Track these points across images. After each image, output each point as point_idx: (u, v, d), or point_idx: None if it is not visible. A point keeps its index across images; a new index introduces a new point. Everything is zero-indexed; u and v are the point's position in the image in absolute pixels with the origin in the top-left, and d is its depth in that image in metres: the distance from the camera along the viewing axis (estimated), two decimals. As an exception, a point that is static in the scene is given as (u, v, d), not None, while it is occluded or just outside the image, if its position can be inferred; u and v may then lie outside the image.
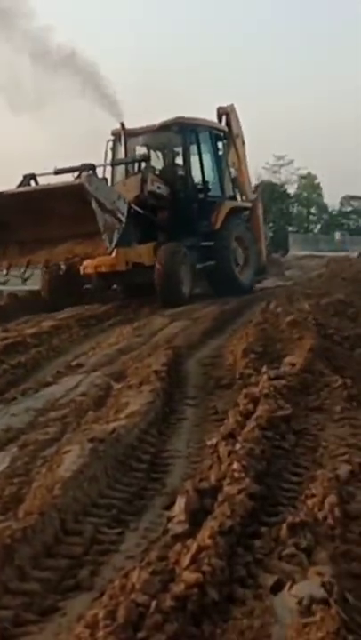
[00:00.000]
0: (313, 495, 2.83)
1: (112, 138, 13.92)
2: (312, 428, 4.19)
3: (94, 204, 9.89)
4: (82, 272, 12.32)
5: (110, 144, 13.92)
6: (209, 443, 3.86)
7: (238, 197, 15.93)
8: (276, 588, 2.12)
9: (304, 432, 4.09)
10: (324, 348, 6.23)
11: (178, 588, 2.05)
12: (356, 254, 18.02)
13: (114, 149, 13.96)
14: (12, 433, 4.52)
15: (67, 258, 10.76)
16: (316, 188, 66.18)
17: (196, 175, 13.96)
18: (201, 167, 14.01)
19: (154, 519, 3.09)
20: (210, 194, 13.88)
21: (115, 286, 14.05)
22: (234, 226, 14.27)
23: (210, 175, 14.30)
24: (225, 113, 15.58)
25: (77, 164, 11.27)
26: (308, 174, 63.95)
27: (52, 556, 2.66)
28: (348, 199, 66.71)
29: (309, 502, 2.77)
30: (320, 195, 66.76)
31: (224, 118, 15.53)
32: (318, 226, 65.75)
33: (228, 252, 13.75)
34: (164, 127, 13.67)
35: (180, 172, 13.94)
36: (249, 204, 16.19)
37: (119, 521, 3.07)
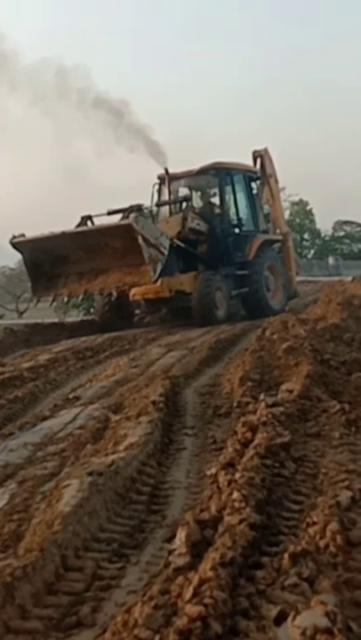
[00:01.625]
0: (314, 523, 2.81)
1: (157, 181, 16.04)
2: (311, 454, 4.18)
3: (140, 240, 11.75)
4: (131, 299, 14.23)
5: (156, 187, 16.03)
6: (208, 472, 3.85)
7: (273, 230, 17.91)
8: (280, 619, 2.10)
9: (303, 459, 4.08)
10: (321, 374, 6.22)
11: (181, 622, 2.02)
12: (350, 278, 18.10)
13: (159, 191, 16.06)
14: (11, 469, 4.50)
15: (117, 286, 12.72)
16: (309, 214, 66.50)
17: (232, 212, 15.90)
18: (235, 205, 15.99)
19: (155, 552, 3.07)
20: (244, 228, 15.90)
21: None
22: (266, 256, 16.18)
23: (244, 212, 16.26)
24: (259, 155, 17.50)
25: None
26: (300, 200, 64.27)
27: (53, 592, 2.64)
28: (340, 224, 67.00)
29: (311, 530, 2.75)
30: (313, 221, 67.05)
31: (259, 160, 17.45)
32: (312, 251, 65.97)
33: (261, 279, 15.53)
34: (203, 171, 15.77)
35: (217, 210, 15.84)
36: (280, 237, 17.98)
37: (120, 555, 3.05)
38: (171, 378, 6.70)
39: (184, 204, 15.21)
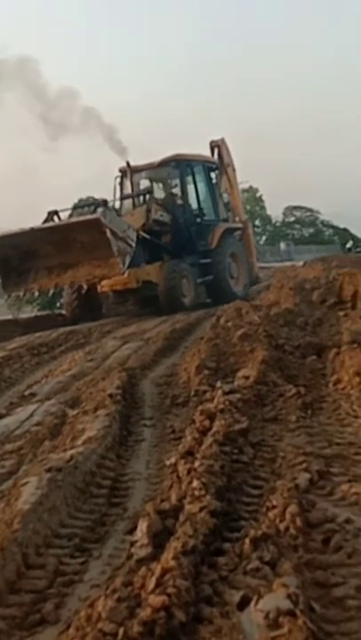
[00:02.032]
0: (274, 507, 2.84)
1: (119, 174, 16.43)
2: (269, 439, 4.21)
3: (109, 234, 12.14)
4: (99, 290, 14.80)
5: (118, 179, 16.41)
6: (168, 462, 3.85)
7: (232, 219, 18.54)
8: (243, 604, 2.11)
9: (262, 444, 4.11)
10: (277, 359, 6.28)
11: (144, 613, 2.02)
12: (301, 263, 18.29)
13: (121, 184, 16.44)
14: (-32, 469, 4.44)
15: (87, 279, 13.14)
16: (259, 201, 66.89)
17: (193, 202, 16.54)
18: (197, 195, 16.67)
19: (117, 545, 3.06)
20: (205, 218, 16.60)
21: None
22: (228, 244, 16.79)
23: (205, 202, 16.90)
24: (217, 145, 18.10)
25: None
26: (250, 187, 64.60)
27: (15, 591, 2.61)
28: (290, 209, 67.63)
29: (271, 514, 2.77)
30: (263, 207, 67.50)
31: (216, 150, 18.05)
32: (263, 237, 66.39)
33: (224, 267, 16.16)
34: (164, 163, 16.20)
35: (179, 201, 16.31)
36: (240, 225, 18.80)
37: (82, 550, 3.03)
38: (127, 370, 6.68)
39: (147, 197, 15.55)
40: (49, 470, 3.52)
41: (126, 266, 12.79)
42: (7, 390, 7.39)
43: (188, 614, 2.08)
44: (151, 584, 2.18)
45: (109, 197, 15.32)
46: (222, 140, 18.35)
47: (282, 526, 2.65)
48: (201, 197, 16.84)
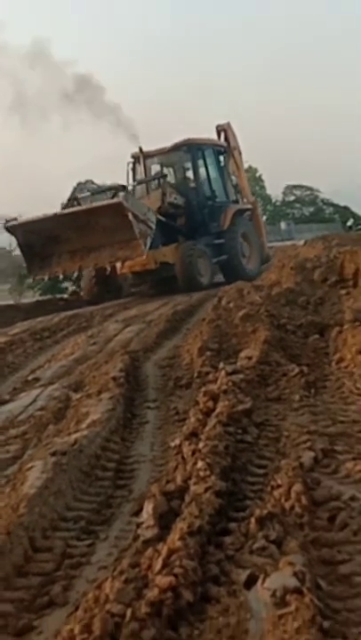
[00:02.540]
0: (279, 485, 2.84)
1: (131, 160, 16.84)
2: (273, 418, 4.22)
3: (131, 217, 12.76)
4: (119, 272, 15.33)
5: (130, 165, 16.81)
6: (172, 444, 3.85)
7: (240, 200, 18.93)
8: (250, 583, 2.12)
9: (266, 423, 4.11)
10: (279, 339, 6.27)
11: (152, 594, 2.03)
12: (302, 242, 18.29)
13: (134, 169, 16.86)
14: (-27, 455, 4.45)
15: (111, 261, 13.87)
16: (259, 181, 66.55)
17: (205, 185, 17.08)
18: (208, 178, 17.19)
19: (123, 527, 3.07)
20: (217, 200, 17.16)
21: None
22: (239, 225, 17.34)
23: (216, 184, 17.40)
24: (223, 129, 18.47)
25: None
26: (250, 167, 64.29)
27: (23, 575, 2.62)
28: (290, 188, 67.23)
29: (276, 493, 2.78)
30: (263, 187, 67.15)
31: (223, 134, 18.45)
32: (264, 217, 66.14)
33: (236, 246, 16.71)
34: (175, 148, 16.72)
35: (192, 184, 17.01)
36: (250, 206, 19.22)
37: (89, 532, 3.05)
38: (130, 353, 6.68)
39: (162, 180, 16.27)
40: (54, 454, 3.53)
41: (148, 247, 13.41)
42: (10, 376, 7.39)
43: (196, 594, 2.09)
44: (158, 565, 2.19)
45: (107, 181, 16.14)
46: (228, 124, 18.65)
47: (287, 505, 2.66)
48: (212, 180, 17.30)
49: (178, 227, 16.17)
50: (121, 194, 13.35)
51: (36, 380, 6.77)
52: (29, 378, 6.94)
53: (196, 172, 16.94)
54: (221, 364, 5.22)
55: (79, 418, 4.52)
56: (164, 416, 4.87)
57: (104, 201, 13.80)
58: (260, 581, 2.07)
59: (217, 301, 9.75)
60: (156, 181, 16.35)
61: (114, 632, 1.91)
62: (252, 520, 2.53)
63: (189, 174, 17.28)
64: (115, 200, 13.19)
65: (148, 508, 2.77)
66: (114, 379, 5.37)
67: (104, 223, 13.09)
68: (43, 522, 2.97)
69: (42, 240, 13.90)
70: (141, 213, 13.26)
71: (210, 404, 4.23)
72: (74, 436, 3.92)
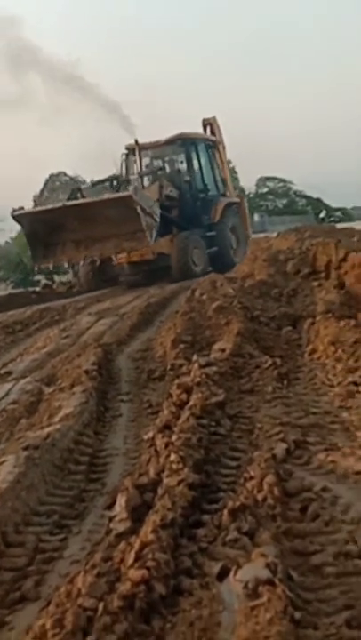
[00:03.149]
0: (251, 477, 2.85)
1: (125, 152, 17.16)
2: (246, 410, 4.23)
3: (139, 210, 13.15)
4: (116, 262, 15.83)
5: (123, 157, 17.17)
6: (146, 437, 3.84)
7: (226, 194, 19.30)
8: (222, 575, 2.12)
9: (239, 415, 4.12)
10: (252, 331, 6.28)
11: (124, 587, 2.03)
12: (275, 234, 18.40)
13: (127, 161, 17.24)
14: None
15: (117, 252, 14.44)
16: (232, 172, 66.62)
17: (198, 179, 17.52)
18: (201, 172, 17.63)
19: (96, 520, 3.07)
20: (209, 193, 17.66)
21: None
22: (229, 218, 18.04)
23: (207, 178, 17.91)
24: (209, 123, 18.92)
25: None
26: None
27: (-6, 570, 2.60)
28: (263, 180, 67.28)
29: (248, 485, 2.79)
30: (236, 179, 67.16)
31: (208, 128, 18.91)
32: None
33: (227, 239, 17.46)
34: (170, 142, 17.18)
35: (186, 178, 17.44)
36: (238, 199, 20.07)
37: (61, 526, 3.04)
38: (103, 345, 6.66)
39: (159, 173, 16.91)
40: (26, 448, 3.51)
41: (153, 239, 13.92)
42: (-18, 370, 7.33)
43: (168, 587, 2.10)
44: (130, 558, 2.18)
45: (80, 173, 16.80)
46: (214, 119, 19.01)
47: (260, 496, 2.67)
48: (204, 174, 17.81)
49: (173, 218, 16.48)
50: (130, 187, 14.10)
51: (8, 373, 6.73)
52: (1, 371, 6.89)
53: (189, 166, 17.43)
54: (195, 357, 5.22)
55: (52, 411, 4.50)
56: (138, 409, 4.86)
57: (114, 194, 14.39)
58: (232, 573, 2.08)
59: (190, 294, 9.74)
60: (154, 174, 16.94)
61: (86, 626, 1.91)
62: (225, 512, 2.54)
63: (183, 167, 17.75)
64: (125, 193, 13.71)
65: (121, 501, 2.77)
66: (86, 372, 5.35)
67: (111, 215, 13.41)
68: (15, 516, 2.95)
69: (47, 229, 14.16)
70: (148, 206, 13.68)
71: (183, 396, 4.23)
72: (46, 430, 3.90)
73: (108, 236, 13.88)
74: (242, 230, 18.92)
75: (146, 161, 17.45)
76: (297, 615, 1.84)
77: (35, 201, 56.48)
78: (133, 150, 16.80)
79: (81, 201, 14.26)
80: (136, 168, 16.87)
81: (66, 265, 16.76)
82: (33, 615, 2.22)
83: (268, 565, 2.02)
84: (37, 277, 24.68)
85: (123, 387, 5.50)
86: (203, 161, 17.82)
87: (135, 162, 16.97)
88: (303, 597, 2.02)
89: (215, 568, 2.18)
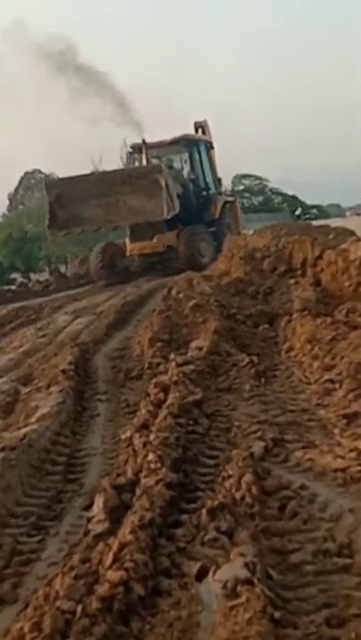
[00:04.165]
0: (230, 476, 2.85)
1: (130, 150, 18.48)
2: (224, 409, 4.23)
3: (163, 183, 14.43)
4: (128, 254, 16.94)
5: (128, 155, 18.78)
6: (123, 436, 3.83)
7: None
8: (201, 575, 2.12)
9: (216, 414, 4.12)
10: (229, 329, 6.29)
11: (103, 589, 2.02)
12: (251, 232, 18.55)
13: (133, 159, 18.43)
14: None
15: (136, 219, 15.44)
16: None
17: (200, 177, 18.53)
18: (202, 171, 18.65)
19: (74, 521, 3.04)
20: (210, 191, 18.71)
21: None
22: (227, 215, 18.96)
23: (208, 177, 18.94)
24: (200, 126, 19.64)
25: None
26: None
27: (-29, 574, 2.58)
28: (239, 178, 67.45)
29: (227, 484, 2.79)
30: (213, 177, 67.22)
31: (200, 130, 19.60)
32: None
33: (225, 235, 17.56)
34: (175, 142, 18.05)
35: (191, 176, 18.27)
36: (232, 198, 21.32)
37: (39, 528, 3.01)
38: (80, 345, 6.62)
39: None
40: (2, 449, 3.47)
41: (168, 215, 14.83)
42: None
43: (147, 588, 2.09)
44: (109, 559, 2.17)
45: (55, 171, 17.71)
46: (205, 122, 19.72)
47: (238, 495, 2.66)
48: (205, 173, 18.82)
49: (177, 214, 16.90)
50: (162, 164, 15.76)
51: (-16, 373, 6.66)
52: (-23, 372, 6.82)
53: (193, 165, 18.33)
54: (172, 355, 5.21)
55: (28, 412, 4.47)
56: (115, 408, 4.84)
57: (143, 166, 15.99)
58: (211, 573, 2.07)
59: (167, 292, 9.73)
60: None
61: (64, 629, 1.89)
62: (204, 511, 2.53)
63: (186, 167, 18.63)
64: (155, 163, 15.56)
65: (99, 502, 2.75)
66: (63, 371, 5.32)
67: (138, 184, 14.73)
68: (-9, 519, 2.92)
69: (74, 198, 15.32)
70: (170, 187, 14.88)
71: (161, 395, 4.22)
72: (23, 431, 3.86)
73: (131, 206, 14.96)
74: (235, 227, 19.71)
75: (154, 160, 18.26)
76: (276, 614, 1.84)
77: (10, 199, 56.26)
78: (138, 148, 17.49)
79: (110, 170, 16.02)
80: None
81: (79, 231, 16.86)
82: (10, 618, 2.20)
83: (246, 565, 2.02)
84: (13, 275, 24.51)
85: (100, 386, 5.47)
86: (204, 161, 18.81)
87: (139, 160, 17.62)
88: (283, 596, 2.02)
89: (194, 568, 2.18)
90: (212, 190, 19.03)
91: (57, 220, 15.78)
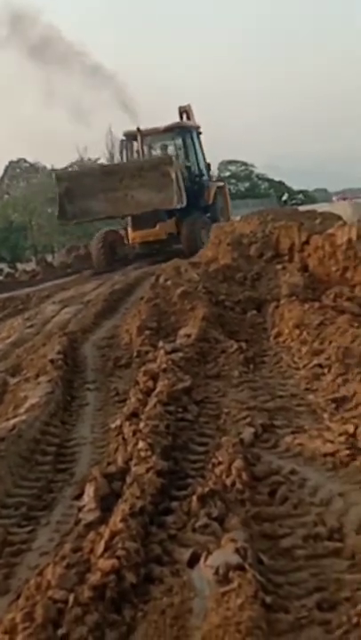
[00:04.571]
0: (220, 463, 2.85)
1: (123, 138, 18.68)
2: (213, 395, 4.23)
3: (173, 175, 15.02)
4: (130, 242, 17.26)
5: (123, 143, 18.84)
6: (113, 425, 3.83)
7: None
8: (193, 561, 2.12)
9: (206, 401, 4.12)
10: (217, 315, 6.29)
11: (94, 578, 2.02)
12: (238, 218, 18.58)
13: (126, 147, 18.74)
14: None
15: (148, 208, 15.50)
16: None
17: (195, 164, 18.77)
18: (196, 158, 18.90)
19: (65, 511, 3.04)
20: (204, 178, 19.02)
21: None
22: (219, 201, 19.29)
23: (201, 163, 19.23)
24: (185, 111, 19.52)
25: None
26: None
27: None
28: (225, 164, 67.16)
29: (217, 470, 2.79)
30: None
31: (185, 115, 19.47)
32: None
33: (218, 220, 17.41)
34: (168, 129, 18.26)
35: (187, 163, 18.44)
36: (222, 183, 21.68)
37: (29, 518, 3.01)
38: (68, 334, 6.60)
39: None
40: (-9, 441, 3.47)
41: (177, 204, 15.42)
42: None
43: (139, 575, 2.09)
44: (100, 548, 2.17)
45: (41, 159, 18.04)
46: (189, 106, 19.69)
47: (228, 481, 2.67)
48: (199, 159, 19.15)
49: None
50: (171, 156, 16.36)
51: (-27, 365, 6.63)
52: (-35, 363, 6.80)
53: (187, 152, 18.63)
54: (161, 343, 5.21)
55: (17, 402, 4.46)
56: (104, 397, 4.84)
57: (154, 158, 16.79)
58: (202, 559, 2.08)
59: (155, 280, 9.70)
60: None
61: (57, 619, 1.89)
62: (194, 498, 2.54)
63: (181, 153, 18.77)
64: (166, 155, 16.29)
65: (90, 490, 2.75)
66: (52, 361, 5.30)
67: (149, 176, 15.23)
68: (-18, 510, 2.92)
69: (84, 189, 15.80)
70: (180, 179, 15.47)
71: (150, 383, 4.22)
72: (12, 422, 3.86)
73: (142, 198, 15.36)
74: (226, 212, 20.06)
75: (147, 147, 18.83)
76: (268, 599, 1.85)
77: (-6, 188, 55.92)
78: (132, 136, 17.92)
79: (121, 163, 16.52)
80: (137, 154, 18.03)
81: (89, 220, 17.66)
82: (2, 609, 2.20)
83: (237, 550, 2.02)
84: (0, 266, 24.37)
85: (89, 375, 5.46)
86: (196, 147, 19.08)
87: (132, 148, 18.32)
88: (274, 581, 2.03)
89: (185, 555, 2.18)
90: (205, 177, 19.28)
91: (66, 214, 16.27)
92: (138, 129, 17.63)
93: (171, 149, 19.10)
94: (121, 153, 18.58)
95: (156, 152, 18.76)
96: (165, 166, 15.24)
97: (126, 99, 19.54)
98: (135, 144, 18.34)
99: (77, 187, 15.96)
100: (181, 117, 19.52)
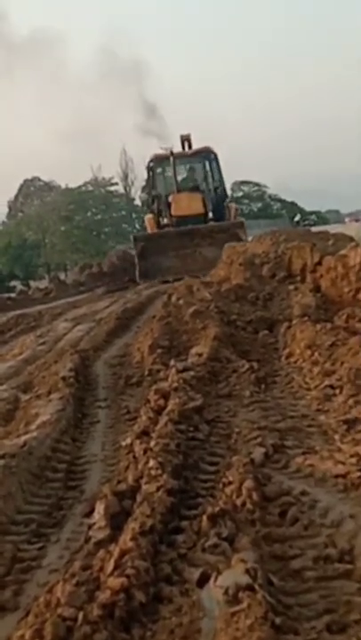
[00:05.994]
0: (230, 482, 2.84)
1: (150, 161, 20.51)
2: (224, 415, 4.23)
3: (243, 237, 16.18)
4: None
5: (151, 165, 20.58)
6: (124, 443, 3.83)
7: None
8: (202, 581, 2.11)
9: (217, 420, 4.12)
10: (229, 335, 6.30)
11: (104, 596, 2.01)
12: (250, 238, 18.77)
13: (154, 170, 20.63)
14: None
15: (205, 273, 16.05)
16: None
17: (221, 186, 20.94)
18: (220, 180, 20.97)
19: (75, 528, 3.04)
20: (226, 199, 21.34)
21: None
22: (238, 220, 20.60)
23: (224, 185, 21.34)
24: (186, 139, 21.18)
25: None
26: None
27: (-28, 582, 2.57)
28: (238, 185, 67.58)
29: (227, 490, 2.78)
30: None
31: (186, 143, 21.13)
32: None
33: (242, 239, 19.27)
34: (196, 153, 20.32)
35: (216, 185, 20.79)
36: (235, 205, 23.76)
37: (39, 535, 3.01)
38: (80, 352, 6.63)
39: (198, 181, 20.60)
40: (2, 457, 3.47)
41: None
42: None
43: (148, 594, 2.08)
44: (110, 566, 2.17)
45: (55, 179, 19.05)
46: (189, 135, 21.06)
47: (239, 501, 2.66)
48: (222, 182, 21.00)
49: None
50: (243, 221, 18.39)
51: (-16, 381, 6.66)
52: (-23, 379, 6.82)
53: (214, 175, 20.65)
54: (172, 362, 5.21)
55: (28, 419, 4.47)
56: (115, 415, 4.84)
57: (226, 222, 18.80)
58: (212, 579, 2.07)
59: (167, 298, 9.74)
60: (192, 183, 20.57)
61: (66, 636, 1.89)
62: (204, 518, 2.53)
63: (208, 176, 20.96)
64: (237, 221, 18.40)
65: (100, 508, 2.75)
66: (63, 379, 5.32)
67: (218, 238, 16.56)
68: (-8, 526, 2.92)
69: (155, 249, 17.26)
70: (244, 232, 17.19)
71: (161, 401, 4.22)
72: (23, 438, 3.86)
73: (208, 255, 16.32)
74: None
75: (179, 170, 20.08)
76: (278, 620, 1.83)
77: (10, 206, 56.29)
78: (160, 160, 19.53)
79: (189, 227, 17.71)
80: (168, 176, 19.85)
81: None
82: (12, 626, 2.19)
83: (247, 571, 2.02)
84: (13, 283, 24.57)
85: (100, 393, 5.48)
86: (221, 170, 20.86)
87: (160, 172, 20.17)
88: (284, 602, 2.02)
89: (195, 574, 2.17)
90: (228, 198, 20.86)
91: (144, 271, 17.48)
92: (171, 152, 18.55)
93: (199, 172, 20.95)
94: (148, 175, 20.40)
95: (183, 175, 19.98)
96: (236, 229, 16.99)
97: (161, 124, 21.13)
98: (164, 167, 19.84)
99: (150, 247, 17.44)
100: (183, 145, 20.95)
